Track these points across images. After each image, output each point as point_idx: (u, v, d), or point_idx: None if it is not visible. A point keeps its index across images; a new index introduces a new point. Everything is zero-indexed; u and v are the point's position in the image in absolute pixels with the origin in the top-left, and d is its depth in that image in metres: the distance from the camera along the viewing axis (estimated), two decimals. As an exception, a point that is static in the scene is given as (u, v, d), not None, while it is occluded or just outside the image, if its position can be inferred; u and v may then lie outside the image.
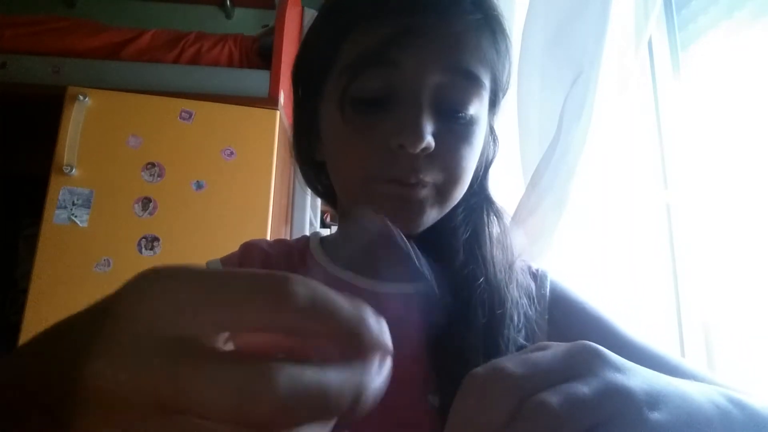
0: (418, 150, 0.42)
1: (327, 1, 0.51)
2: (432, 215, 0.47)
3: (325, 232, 0.59)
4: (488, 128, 0.52)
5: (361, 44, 0.44)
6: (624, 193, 0.89)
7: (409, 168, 0.44)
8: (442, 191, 0.46)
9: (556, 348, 0.26)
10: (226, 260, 0.55)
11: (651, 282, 0.89)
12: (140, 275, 0.21)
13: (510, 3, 0.96)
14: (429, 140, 0.42)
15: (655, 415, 0.23)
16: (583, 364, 0.24)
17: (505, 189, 0.83)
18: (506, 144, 0.90)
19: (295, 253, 0.56)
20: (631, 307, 0.86)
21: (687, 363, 0.47)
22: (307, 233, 0.59)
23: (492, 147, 0.56)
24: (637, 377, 0.25)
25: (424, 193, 0.46)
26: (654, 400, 0.24)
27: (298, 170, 0.59)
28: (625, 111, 0.84)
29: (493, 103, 0.51)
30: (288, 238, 0.62)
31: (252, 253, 0.56)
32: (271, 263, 0.55)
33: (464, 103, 0.45)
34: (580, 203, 0.78)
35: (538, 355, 0.25)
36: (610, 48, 0.75)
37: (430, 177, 0.45)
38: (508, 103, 0.90)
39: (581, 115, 0.75)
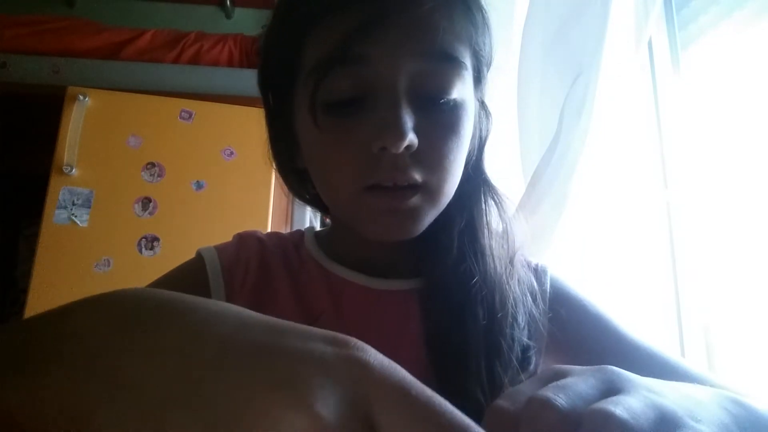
0: (401, 150, 0.39)
1: (279, 1, 0.47)
2: (428, 218, 0.45)
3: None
4: (478, 104, 0.49)
5: (323, 42, 0.41)
6: (624, 192, 0.89)
7: (394, 167, 0.41)
8: (434, 192, 0.43)
9: (581, 373, 0.24)
10: (221, 248, 0.52)
11: (651, 282, 0.89)
12: None
13: (510, 3, 0.96)
14: (412, 138, 0.39)
15: (702, 427, 0.22)
16: (618, 387, 0.23)
17: (505, 189, 0.82)
18: (506, 144, 0.90)
19: (290, 247, 0.54)
20: (631, 307, 0.86)
21: (686, 363, 0.47)
22: (306, 231, 0.58)
23: (485, 123, 0.52)
24: (669, 397, 0.24)
25: (415, 200, 0.43)
26: (692, 415, 0.23)
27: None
28: (625, 111, 0.84)
29: (478, 80, 0.48)
30: (282, 232, 0.60)
31: (248, 243, 0.53)
32: (268, 254, 0.53)
33: (445, 89, 0.42)
34: (580, 202, 0.79)
35: (572, 382, 0.23)
36: (610, 48, 0.75)
37: (419, 175, 0.42)
38: (509, 102, 0.90)
39: (581, 115, 0.75)
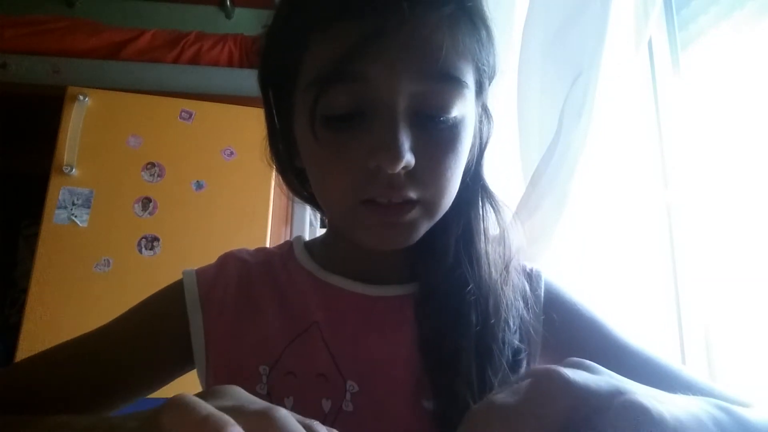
0: (397, 170, 0.39)
1: (282, 1, 0.46)
2: (423, 229, 0.45)
3: (319, 232, 0.58)
4: (479, 111, 0.49)
5: (324, 55, 0.40)
6: (624, 192, 0.89)
7: (390, 186, 0.41)
8: (430, 206, 0.44)
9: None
10: (201, 272, 0.54)
11: (651, 282, 0.89)
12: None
13: (510, 3, 0.96)
14: (408, 158, 0.39)
15: (669, 408, 0.23)
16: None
17: (505, 189, 0.82)
18: (506, 144, 0.90)
19: (276, 260, 0.54)
20: (631, 308, 0.86)
21: (683, 369, 0.47)
22: (307, 233, 0.58)
23: (487, 128, 0.51)
24: (634, 386, 0.25)
25: (412, 215, 0.43)
26: (657, 399, 0.24)
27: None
28: (625, 111, 0.84)
29: (480, 92, 0.47)
30: (268, 246, 0.61)
31: (228, 264, 0.54)
32: (250, 271, 0.53)
33: (445, 108, 0.41)
34: (580, 202, 0.78)
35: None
36: (610, 48, 0.75)
37: (414, 193, 0.42)
38: (509, 102, 0.90)
39: (581, 115, 0.75)
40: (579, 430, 0.23)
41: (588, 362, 0.26)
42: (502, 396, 0.25)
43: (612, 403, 0.23)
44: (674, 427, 0.22)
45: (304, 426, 0.25)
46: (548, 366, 0.24)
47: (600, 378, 0.24)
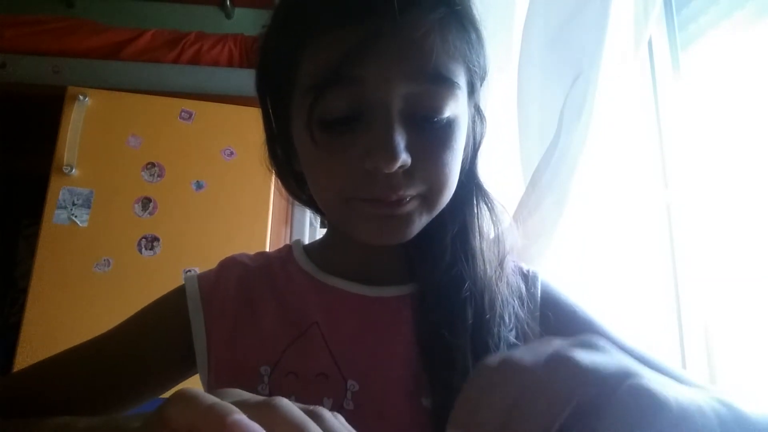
0: (393, 170, 0.40)
1: (277, 8, 0.47)
2: (421, 223, 0.46)
3: (320, 232, 0.59)
4: (472, 111, 0.50)
5: (320, 61, 0.41)
6: (624, 192, 0.89)
7: (389, 187, 0.42)
8: (429, 200, 0.45)
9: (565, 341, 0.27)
10: (202, 276, 0.55)
11: (651, 282, 0.89)
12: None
13: (510, 3, 0.96)
14: (404, 158, 0.40)
15: (674, 395, 0.23)
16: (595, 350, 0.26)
17: (505, 189, 0.82)
18: (506, 144, 0.90)
19: (275, 263, 0.55)
20: (631, 308, 0.86)
21: (679, 369, 0.48)
22: (307, 233, 0.59)
23: (480, 127, 0.53)
24: (645, 371, 0.26)
25: (410, 206, 0.44)
26: (662, 384, 0.24)
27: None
28: (625, 111, 0.84)
29: (472, 92, 0.48)
30: (268, 246, 0.62)
31: (229, 268, 0.55)
32: (250, 275, 0.54)
33: (439, 108, 0.43)
34: (580, 202, 0.78)
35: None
36: (610, 48, 0.75)
37: (413, 190, 0.43)
38: (509, 102, 0.90)
39: (581, 115, 0.75)
40: (586, 411, 0.23)
41: (599, 342, 0.26)
42: (519, 353, 0.26)
43: (619, 386, 0.23)
44: (677, 414, 0.23)
45: (307, 412, 0.26)
46: (561, 352, 0.25)
47: (610, 359, 0.25)
